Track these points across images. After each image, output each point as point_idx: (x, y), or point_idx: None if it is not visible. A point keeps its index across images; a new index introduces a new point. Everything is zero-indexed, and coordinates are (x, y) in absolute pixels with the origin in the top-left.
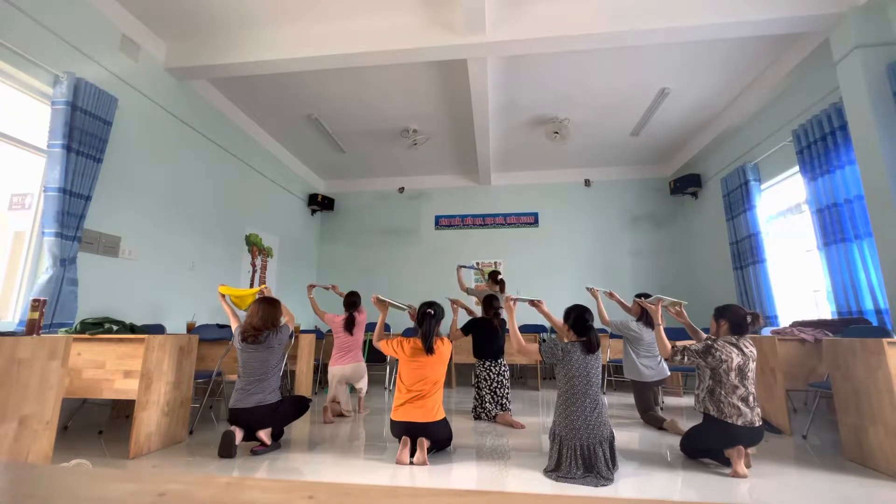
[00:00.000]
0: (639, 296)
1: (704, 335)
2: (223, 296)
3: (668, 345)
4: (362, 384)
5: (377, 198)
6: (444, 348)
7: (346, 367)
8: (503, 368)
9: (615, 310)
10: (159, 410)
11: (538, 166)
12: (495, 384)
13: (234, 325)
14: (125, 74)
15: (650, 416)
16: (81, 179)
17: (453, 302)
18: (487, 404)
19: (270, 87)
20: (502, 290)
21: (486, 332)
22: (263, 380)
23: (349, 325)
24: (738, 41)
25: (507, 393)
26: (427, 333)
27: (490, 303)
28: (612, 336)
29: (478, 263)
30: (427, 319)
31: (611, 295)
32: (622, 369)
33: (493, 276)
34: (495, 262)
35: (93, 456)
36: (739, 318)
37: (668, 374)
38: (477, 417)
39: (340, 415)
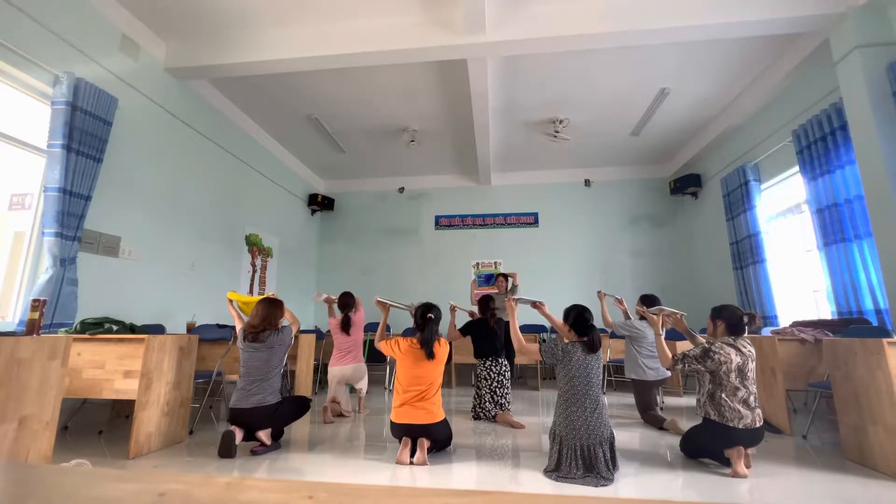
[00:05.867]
0: (643, 297)
1: (702, 339)
2: (231, 301)
3: (669, 354)
4: (362, 384)
5: (377, 198)
6: (441, 350)
7: (347, 367)
8: (504, 368)
9: (615, 312)
10: (159, 410)
11: (538, 166)
12: (495, 384)
13: (238, 328)
14: (125, 74)
15: (650, 416)
16: (81, 179)
17: (453, 307)
18: (487, 404)
19: (270, 87)
20: (507, 289)
21: (484, 333)
22: (264, 380)
23: (345, 325)
24: (738, 41)
25: (507, 393)
26: (429, 338)
27: (486, 304)
28: (613, 336)
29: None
30: (429, 324)
31: (619, 301)
32: (622, 369)
33: (504, 277)
34: (495, 263)
35: (93, 456)
36: (736, 318)
37: (669, 374)
38: (476, 417)
39: (340, 415)
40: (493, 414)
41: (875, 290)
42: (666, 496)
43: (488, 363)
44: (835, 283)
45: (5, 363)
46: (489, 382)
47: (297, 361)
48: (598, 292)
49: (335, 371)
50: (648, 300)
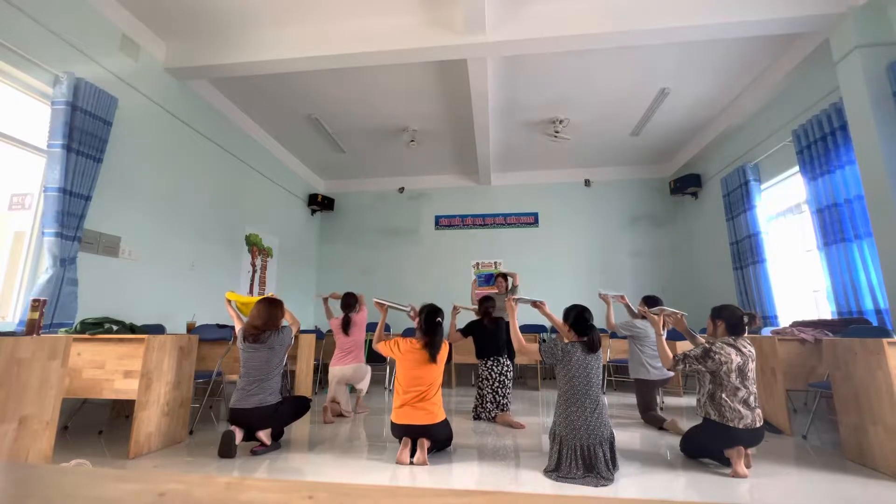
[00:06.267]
0: (646, 298)
1: (702, 339)
2: (229, 301)
3: (670, 354)
4: (363, 385)
5: (377, 198)
6: (441, 351)
7: (347, 367)
8: (506, 368)
9: (620, 312)
10: (159, 410)
11: (538, 166)
12: (497, 383)
13: (238, 328)
14: (125, 74)
15: (651, 416)
16: (81, 179)
17: (456, 309)
18: (489, 404)
19: (270, 87)
20: (507, 288)
21: (483, 333)
22: (265, 380)
23: (346, 325)
24: (738, 41)
25: (509, 393)
26: (436, 343)
27: (481, 304)
28: (613, 336)
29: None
30: (438, 328)
31: (621, 298)
32: (622, 369)
33: (504, 277)
34: (495, 263)
35: (93, 456)
36: (736, 318)
37: (672, 374)
38: (476, 417)
39: (340, 415)
40: (493, 415)
41: (875, 290)
42: (666, 496)
43: (489, 363)
44: (835, 283)
45: (5, 363)
46: (491, 382)
47: (297, 361)
48: (601, 295)
49: (335, 371)
50: (651, 301)
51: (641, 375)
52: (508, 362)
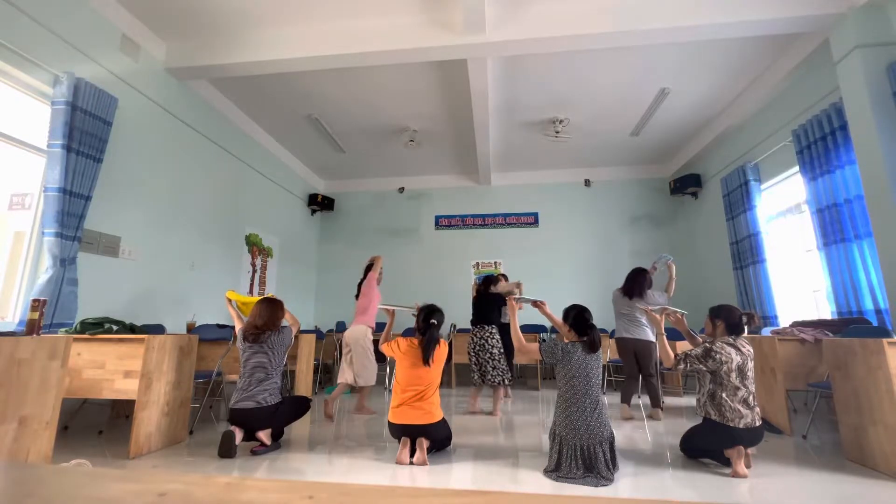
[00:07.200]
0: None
1: (701, 339)
2: (230, 301)
3: (671, 353)
4: (361, 379)
5: (377, 198)
6: (439, 352)
7: (350, 329)
8: (488, 334)
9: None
10: (159, 410)
11: (538, 166)
12: (478, 347)
13: (238, 327)
14: (125, 74)
15: (626, 389)
16: (81, 179)
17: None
18: (473, 365)
19: (270, 87)
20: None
21: (477, 303)
22: (265, 381)
23: (357, 292)
24: (738, 41)
25: (497, 365)
26: (428, 345)
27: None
28: (613, 336)
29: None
30: (431, 329)
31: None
32: (622, 369)
33: (505, 277)
34: (495, 263)
35: (93, 456)
36: (735, 318)
37: (648, 339)
38: (475, 385)
39: (351, 389)
40: (496, 381)
41: (875, 290)
42: (666, 496)
43: (476, 329)
44: (835, 283)
45: (5, 363)
46: (473, 346)
47: (297, 361)
48: (655, 265)
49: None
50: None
51: (616, 335)
52: (494, 330)
